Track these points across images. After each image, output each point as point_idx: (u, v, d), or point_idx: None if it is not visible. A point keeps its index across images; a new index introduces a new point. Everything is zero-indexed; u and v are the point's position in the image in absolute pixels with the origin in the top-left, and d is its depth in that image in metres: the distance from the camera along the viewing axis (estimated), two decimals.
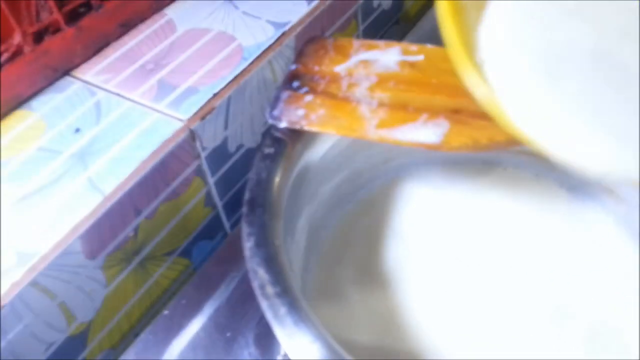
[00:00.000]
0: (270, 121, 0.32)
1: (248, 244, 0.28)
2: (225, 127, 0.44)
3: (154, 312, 0.43)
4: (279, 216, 0.29)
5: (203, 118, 0.46)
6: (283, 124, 0.32)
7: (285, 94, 0.33)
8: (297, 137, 0.33)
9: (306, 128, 0.32)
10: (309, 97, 0.33)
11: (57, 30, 0.44)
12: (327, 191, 0.38)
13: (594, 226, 0.37)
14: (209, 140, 0.43)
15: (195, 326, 0.38)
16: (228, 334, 0.37)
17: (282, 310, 0.26)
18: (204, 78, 0.48)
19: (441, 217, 0.39)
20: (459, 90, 0.32)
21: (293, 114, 0.32)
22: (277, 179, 0.31)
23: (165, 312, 0.39)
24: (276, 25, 0.49)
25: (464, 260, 0.36)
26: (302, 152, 0.33)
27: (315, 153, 0.34)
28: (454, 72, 0.33)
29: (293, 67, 0.35)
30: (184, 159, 0.43)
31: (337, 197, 0.39)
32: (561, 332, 0.32)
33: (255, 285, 0.26)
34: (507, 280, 0.35)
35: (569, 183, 0.39)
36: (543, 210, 0.39)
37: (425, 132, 0.30)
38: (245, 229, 0.28)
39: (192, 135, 0.45)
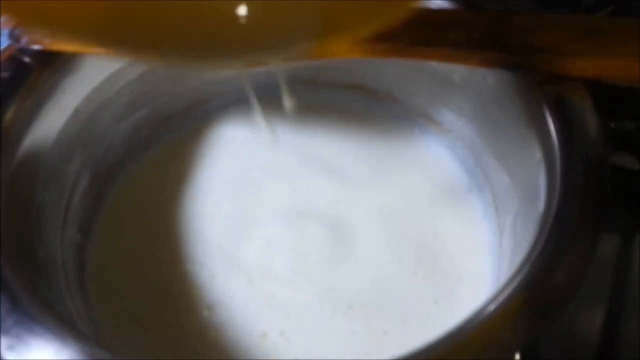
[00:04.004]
0: (9, 41, 0.27)
1: None
2: None
3: None
4: (1, 151, 0.24)
5: None
6: (23, 43, 0.27)
7: None
8: (49, 61, 0.27)
9: (50, 46, 0.26)
10: None
11: None
12: (118, 133, 0.33)
13: (426, 153, 0.35)
14: None
15: None
16: None
17: None
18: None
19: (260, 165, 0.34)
20: None
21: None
22: (8, 109, 0.25)
23: None
24: None
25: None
26: (58, 80, 0.27)
27: (83, 82, 0.29)
28: None
29: None
30: None
31: (134, 143, 0.34)
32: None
33: None
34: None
35: (398, 115, 0.36)
36: (375, 141, 0.35)
37: None
38: None
39: None
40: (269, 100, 0.37)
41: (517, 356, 0.28)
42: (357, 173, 0.34)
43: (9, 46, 0.40)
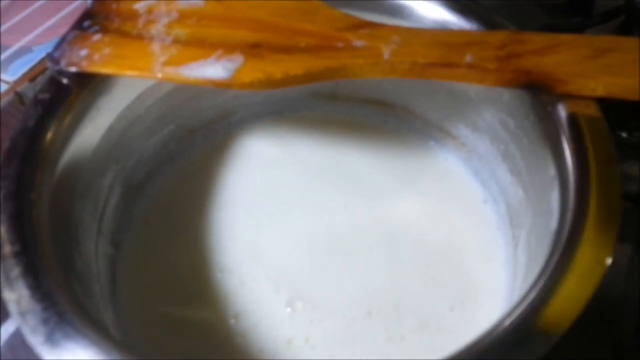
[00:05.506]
0: (49, 64, 0.28)
1: None
2: None
3: None
4: (44, 168, 0.26)
5: (33, 79, 0.42)
6: (61, 66, 0.28)
7: (72, 35, 0.29)
8: (85, 82, 0.29)
9: (86, 69, 0.28)
10: (97, 37, 0.29)
11: None
12: (147, 148, 0.34)
13: (442, 165, 0.36)
14: None
15: None
16: None
17: (16, 271, 0.22)
18: (40, 37, 0.44)
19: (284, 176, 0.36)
20: (264, 23, 0.29)
21: (75, 55, 0.28)
22: (49, 128, 0.27)
23: None
24: None
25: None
26: (94, 100, 0.29)
27: (116, 101, 0.30)
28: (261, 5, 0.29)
29: (89, 5, 0.31)
30: (11, 124, 0.39)
31: (161, 157, 0.35)
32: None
33: None
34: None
35: (415, 128, 0.37)
36: (392, 154, 0.37)
37: (214, 68, 0.27)
38: None
39: (20, 99, 0.41)
40: (289, 114, 0.39)
41: None
42: (376, 185, 0.35)
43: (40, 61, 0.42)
